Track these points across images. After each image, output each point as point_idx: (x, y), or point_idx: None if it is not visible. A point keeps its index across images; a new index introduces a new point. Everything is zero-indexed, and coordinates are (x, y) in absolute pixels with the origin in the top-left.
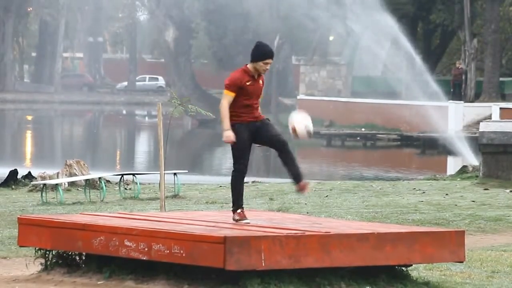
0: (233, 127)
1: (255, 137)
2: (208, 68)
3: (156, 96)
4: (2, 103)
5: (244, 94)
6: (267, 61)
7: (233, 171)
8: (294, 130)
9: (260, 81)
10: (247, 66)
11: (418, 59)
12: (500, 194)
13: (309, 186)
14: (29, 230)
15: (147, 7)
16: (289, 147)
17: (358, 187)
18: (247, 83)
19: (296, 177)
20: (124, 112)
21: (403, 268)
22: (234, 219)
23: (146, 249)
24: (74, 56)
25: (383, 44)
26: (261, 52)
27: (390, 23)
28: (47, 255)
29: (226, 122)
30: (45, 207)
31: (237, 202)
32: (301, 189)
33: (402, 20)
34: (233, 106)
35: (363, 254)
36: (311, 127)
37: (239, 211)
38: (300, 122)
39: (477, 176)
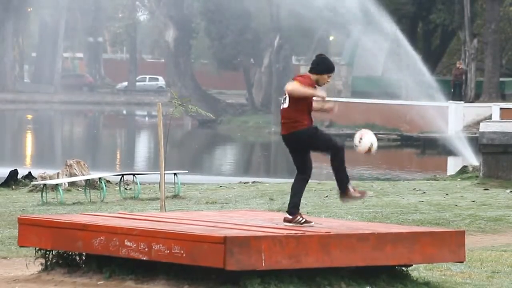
0: (311, 127)
1: None
2: (208, 68)
3: (156, 96)
4: (2, 103)
5: (308, 101)
6: (331, 74)
7: (340, 148)
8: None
9: None
10: (310, 76)
11: (418, 59)
12: (500, 194)
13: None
14: (29, 230)
15: (147, 7)
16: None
17: (358, 187)
18: None
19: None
20: (124, 112)
21: (404, 268)
22: (352, 195)
23: (146, 249)
24: (74, 56)
25: (383, 44)
26: (329, 65)
27: (389, 24)
28: (47, 255)
29: (309, 89)
30: (45, 207)
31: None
32: None
33: (402, 20)
34: (306, 111)
35: (363, 254)
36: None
37: (351, 189)
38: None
39: (477, 176)
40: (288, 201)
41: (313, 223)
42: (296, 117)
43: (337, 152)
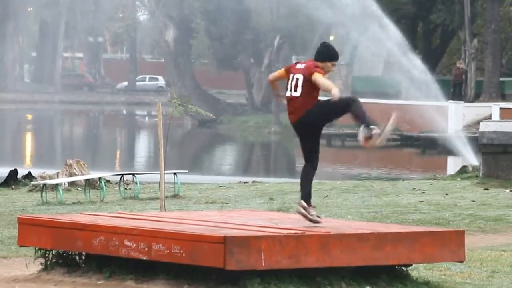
0: (313, 105)
1: None
2: (208, 68)
3: (156, 96)
4: (2, 103)
5: (318, 87)
6: (335, 62)
7: (351, 100)
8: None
9: None
10: (319, 65)
11: (418, 59)
12: (500, 194)
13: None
14: (29, 230)
15: (147, 7)
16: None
17: (358, 187)
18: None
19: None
20: (124, 112)
21: (403, 268)
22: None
23: (146, 249)
24: (74, 56)
25: (383, 44)
26: (333, 53)
27: (390, 23)
28: (47, 255)
29: (332, 85)
30: (45, 207)
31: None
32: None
33: (402, 20)
34: (316, 98)
35: (363, 254)
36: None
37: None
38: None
39: (477, 176)
40: (302, 192)
41: (321, 222)
42: (306, 105)
43: (351, 106)
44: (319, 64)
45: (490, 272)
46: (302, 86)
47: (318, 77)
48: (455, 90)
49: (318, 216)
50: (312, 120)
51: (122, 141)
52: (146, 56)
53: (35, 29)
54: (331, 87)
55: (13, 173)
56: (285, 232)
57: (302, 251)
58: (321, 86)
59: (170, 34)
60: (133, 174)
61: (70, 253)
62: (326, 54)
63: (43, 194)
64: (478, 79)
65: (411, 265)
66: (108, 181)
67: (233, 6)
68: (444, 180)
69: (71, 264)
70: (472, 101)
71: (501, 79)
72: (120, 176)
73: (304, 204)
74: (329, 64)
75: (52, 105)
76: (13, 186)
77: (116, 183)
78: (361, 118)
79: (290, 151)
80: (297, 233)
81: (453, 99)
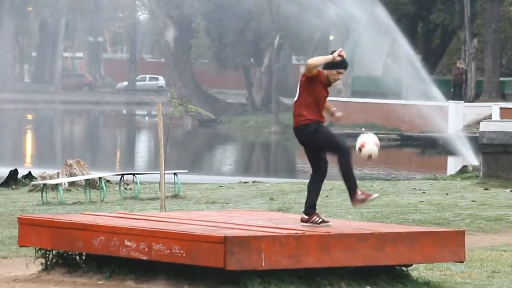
0: (312, 123)
1: None
2: (208, 68)
3: (157, 96)
4: (2, 103)
5: (317, 95)
6: (341, 70)
7: (344, 151)
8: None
9: (327, 92)
10: (323, 72)
11: (418, 59)
12: (500, 194)
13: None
14: (29, 230)
15: (147, 6)
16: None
17: (358, 187)
18: (321, 82)
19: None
20: (124, 112)
21: (404, 268)
22: (359, 199)
23: (146, 249)
24: (74, 55)
25: (383, 44)
26: (337, 61)
27: (389, 23)
28: (47, 255)
29: (324, 56)
30: (45, 207)
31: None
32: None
33: (402, 20)
34: (314, 104)
35: (364, 254)
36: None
37: (359, 192)
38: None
39: (477, 176)
40: (305, 201)
41: (330, 223)
42: (301, 111)
43: (342, 155)
44: (325, 71)
45: (491, 272)
46: (299, 90)
47: (305, 66)
48: (455, 90)
49: (324, 221)
50: (301, 137)
51: (122, 141)
52: (146, 56)
53: (35, 29)
54: (325, 57)
55: (14, 173)
56: (285, 232)
57: (302, 251)
58: (315, 65)
59: (170, 34)
60: (133, 174)
61: (70, 253)
62: (332, 62)
63: (43, 194)
64: (478, 79)
65: (411, 265)
66: (108, 181)
67: (233, 6)
68: (444, 180)
69: (72, 264)
70: (472, 101)
71: (501, 79)
72: (120, 176)
73: (305, 218)
74: (334, 71)
75: (52, 105)
76: (13, 186)
77: (116, 183)
78: (348, 180)
79: (290, 151)
80: (297, 233)
81: (453, 99)
